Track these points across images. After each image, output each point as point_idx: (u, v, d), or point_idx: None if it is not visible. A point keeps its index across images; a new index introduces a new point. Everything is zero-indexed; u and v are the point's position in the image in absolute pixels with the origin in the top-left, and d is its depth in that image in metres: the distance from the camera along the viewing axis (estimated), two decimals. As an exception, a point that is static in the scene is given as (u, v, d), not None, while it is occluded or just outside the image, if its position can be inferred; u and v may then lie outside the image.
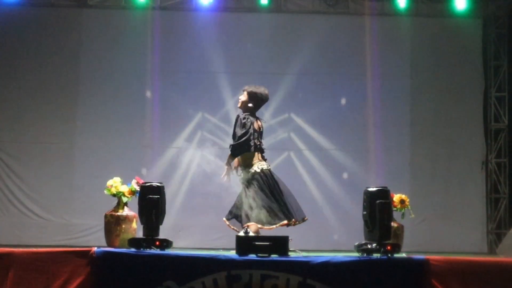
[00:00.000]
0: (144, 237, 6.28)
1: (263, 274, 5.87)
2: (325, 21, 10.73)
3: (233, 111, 10.07)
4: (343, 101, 10.75)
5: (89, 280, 5.90)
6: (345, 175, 10.57)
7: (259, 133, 7.30)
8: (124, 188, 7.16)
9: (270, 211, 7.03)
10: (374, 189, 6.32)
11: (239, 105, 7.43)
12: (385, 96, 10.71)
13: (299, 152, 10.62)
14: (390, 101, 10.73)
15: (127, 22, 10.67)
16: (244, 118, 7.19)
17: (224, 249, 7.42)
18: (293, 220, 7.08)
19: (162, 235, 6.41)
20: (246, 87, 7.39)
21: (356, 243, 6.31)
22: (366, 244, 6.18)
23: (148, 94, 10.68)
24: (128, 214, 7.05)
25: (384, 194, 6.30)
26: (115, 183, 7.19)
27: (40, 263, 5.95)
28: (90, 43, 10.64)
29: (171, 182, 10.00)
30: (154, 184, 6.50)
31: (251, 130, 7.13)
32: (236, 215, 7.20)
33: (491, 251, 10.22)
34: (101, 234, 7.28)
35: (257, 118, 7.35)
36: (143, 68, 10.67)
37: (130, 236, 6.72)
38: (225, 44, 10.63)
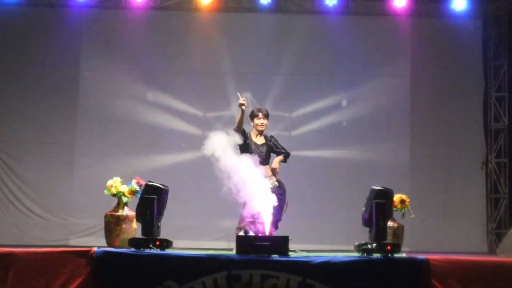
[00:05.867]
0: (144, 237, 6.28)
1: (263, 274, 5.87)
2: (325, 21, 10.72)
3: (234, 111, 10.10)
4: (343, 101, 10.75)
5: (89, 280, 5.91)
6: (345, 175, 10.56)
7: None
8: (124, 188, 7.17)
9: None
10: (377, 188, 6.32)
11: (264, 128, 7.84)
12: (385, 96, 10.71)
13: (299, 152, 10.60)
14: (390, 101, 10.73)
15: (127, 22, 10.67)
16: None
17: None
18: None
19: (162, 235, 6.41)
20: (265, 111, 7.87)
21: (356, 243, 6.31)
22: (366, 244, 6.19)
23: (148, 93, 10.69)
24: (128, 214, 7.05)
25: (383, 194, 6.30)
26: (115, 183, 7.19)
27: (40, 263, 5.95)
28: (90, 43, 10.64)
29: (171, 182, 9.97)
30: (156, 184, 6.47)
31: None
32: None
33: (491, 251, 10.21)
34: (101, 234, 7.28)
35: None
36: (143, 68, 10.67)
37: (130, 236, 6.72)
38: (225, 45, 10.63)
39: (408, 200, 7.51)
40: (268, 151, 7.86)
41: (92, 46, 10.64)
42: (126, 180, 7.29)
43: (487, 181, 10.72)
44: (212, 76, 10.62)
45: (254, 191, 6.87)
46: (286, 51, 10.66)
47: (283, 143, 8.02)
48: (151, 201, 6.33)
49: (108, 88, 10.63)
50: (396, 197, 7.40)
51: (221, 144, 7.00)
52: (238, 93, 7.66)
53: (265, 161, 7.74)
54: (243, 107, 7.55)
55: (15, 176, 10.46)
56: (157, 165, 10.39)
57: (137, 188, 7.15)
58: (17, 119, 10.53)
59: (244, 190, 6.84)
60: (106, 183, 7.29)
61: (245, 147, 7.62)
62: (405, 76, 10.77)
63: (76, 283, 5.89)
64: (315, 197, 10.44)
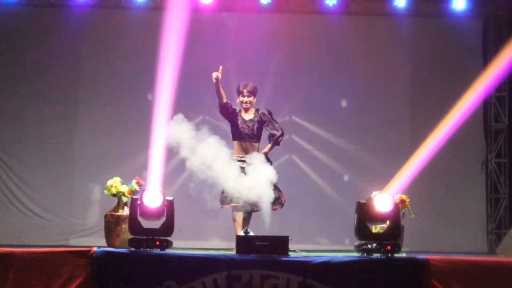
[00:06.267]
0: (144, 236, 6.28)
1: (263, 274, 5.87)
2: (325, 21, 10.72)
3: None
4: (343, 101, 10.75)
5: (89, 280, 5.91)
6: (345, 175, 10.57)
7: None
8: (124, 188, 7.17)
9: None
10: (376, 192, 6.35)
11: (248, 106, 7.56)
12: (385, 96, 10.71)
13: (299, 152, 10.61)
14: (390, 101, 10.73)
15: (127, 22, 10.67)
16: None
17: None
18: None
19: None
20: (250, 88, 7.58)
21: (356, 243, 6.31)
22: (366, 244, 6.19)
23: (149, 94, 10.68)
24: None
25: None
26: (115, 183, 7.20)
27: (40, 263, 5.95)
28: (90, 43, 10.64)
29: (171, 182, 9.99)
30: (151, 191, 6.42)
31: None
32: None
33: (491, 251, 10.21)
34: (101, 234, 7.28)
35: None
36: (143, 68, 10.66)
37: (130, 236, 6.71)
38: (225, 45, 10.62)
39: (408, 200, 7.50)
40: (258, 127, 7.50)
41: (92, 46, 10.63)
42: (126, 180, 7.30)
43: (487, 181, 10.72)
44: (211, 76, 10.59)
45: (222, 173, 7.01)
46: (286, 51, 10.66)
47: (283, 143, 7.95)
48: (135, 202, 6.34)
49: (108, 88, 10.63)
50: (396, 197, 7.40)
51: (179, 134, 7.04)
52: (221, 67, 7.48)
53: (255, 137, 7.48)
54: (213, 80, 7.40)
55: (15, 176, 10.46)
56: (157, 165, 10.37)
57: (137, 188, 7.15)
58: (17, 119, 10.52)
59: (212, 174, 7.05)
60: (106, 183, 7.30)
61: (232, 123, 7.56)
62: (405, 76, 10.76)
63: (76, 283, 5.90)
64: (315, 197, 10.44)
